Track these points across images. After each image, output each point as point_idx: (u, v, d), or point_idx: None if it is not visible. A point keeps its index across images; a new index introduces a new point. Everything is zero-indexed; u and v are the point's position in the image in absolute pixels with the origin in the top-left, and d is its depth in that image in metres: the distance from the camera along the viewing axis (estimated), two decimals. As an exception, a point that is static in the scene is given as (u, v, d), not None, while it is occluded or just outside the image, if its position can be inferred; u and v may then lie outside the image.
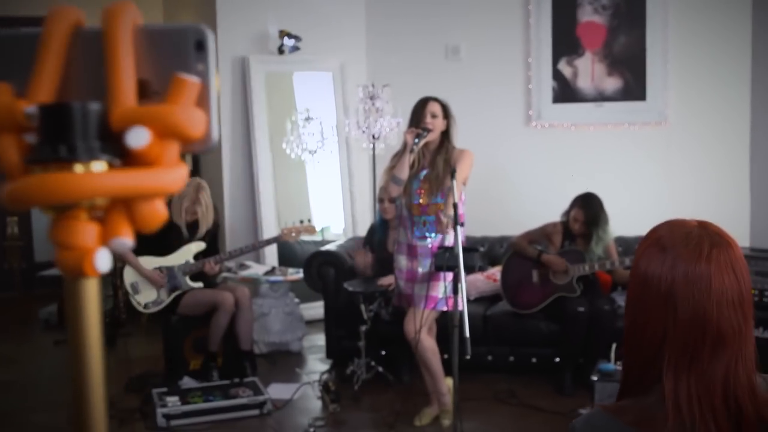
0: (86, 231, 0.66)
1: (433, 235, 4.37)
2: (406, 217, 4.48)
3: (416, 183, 4.40)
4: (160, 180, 0.68)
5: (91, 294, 0.70)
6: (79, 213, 0.66)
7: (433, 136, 4.32)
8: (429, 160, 4.40)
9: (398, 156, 4.40)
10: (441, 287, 4.33)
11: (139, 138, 0.66)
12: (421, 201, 4.39)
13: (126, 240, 0.68)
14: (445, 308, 4.31)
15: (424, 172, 4.40)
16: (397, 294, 4.63)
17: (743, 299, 1.39)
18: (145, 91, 0.71)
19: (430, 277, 4.28)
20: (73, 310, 0.69)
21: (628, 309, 1.49)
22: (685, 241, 1.42)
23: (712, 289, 1.37)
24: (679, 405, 1.35)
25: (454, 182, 3.96)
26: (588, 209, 5.15)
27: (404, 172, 4.30)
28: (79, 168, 0.66)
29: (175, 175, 0.69)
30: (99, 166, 0.67)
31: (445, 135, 4.40)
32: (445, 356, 4.34)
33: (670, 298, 1.39)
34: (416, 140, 4.22)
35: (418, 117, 4.33)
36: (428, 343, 4.46)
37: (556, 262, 5.19)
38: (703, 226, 1.45)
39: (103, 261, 0.67)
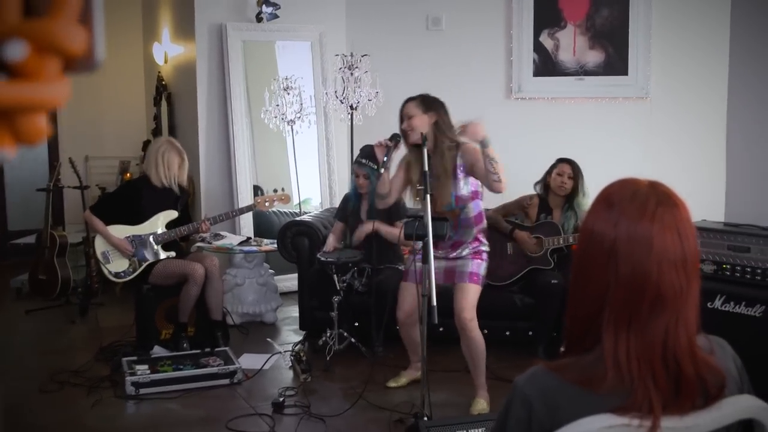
0: None
1: (452, 234, 4.15)
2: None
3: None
4: (38, 92, 0.69)
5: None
6: None
7: (416, 137, 4.01)
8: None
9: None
10: (483, 266, 4.23)
11: (15, 51, 0.67)
12: (436, 209, 4.05)
13: (7, 152, 0.69)
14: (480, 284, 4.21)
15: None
16: (410, 270, 4.31)
17: (686, 261, 1.37)
18: (34, 11, 0.72)
19: (472, 256, 4.19)
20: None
21: (574, 265, 1.46)
22: (631, 198, 1.39)
23: (654, 248, 1.34)
24: (618, 362, 1.33)
25: (425, 149, 3.88)
26: (572, 162, 5.23)
27: (384, 188, 4.13)
28: None
29: (55, 89, 0.70)
30: None
31: (438, 128, 4.05)
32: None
33: (612, 254, 1.36)
34: (385, 157, 3.99)
35: (400, 124, 4.13)
36: (478, 336, 4.22)
37: (527, 241, 5.18)
38: (653, 186, 1.42)
39: None
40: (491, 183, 3.91)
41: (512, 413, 1.38)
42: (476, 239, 4.24)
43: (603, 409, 1.30)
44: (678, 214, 1.39)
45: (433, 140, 4.04)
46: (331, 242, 5.41)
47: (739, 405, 1.39)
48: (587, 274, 1.41)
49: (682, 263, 1.36)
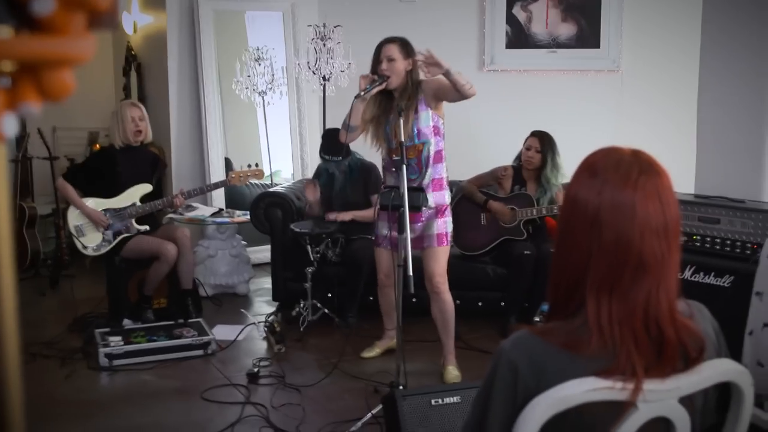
0: None
1: (416, 176, 4.14)
2: (389, 162, 4.24)
3: (388, 128, 4.16)
4: (65, 47, 0.69)
5: (-1, 158, 0.72)
6: None
7: (396, 82, 4.06)
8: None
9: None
10: (449, 223, 4.26)
11: (43, 4, 0.67)
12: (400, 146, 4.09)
13: (33, 107, 0.69)
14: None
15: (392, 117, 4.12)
16: (380, 235, 4.38)
17: (668, 228, 1.39)
18: None
19: (436, 215, 4.19)
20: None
21: (558, 232, 1.48)
22: (615, 167, 1.41)
23: (636, 215, 1.37)
24: (601, 327, 1.35)
25: (401, 120, 3.89)
26: (543, 135, 5.24)
27: (355, 119, 4.11)
28: None
29: (81, 44, 0.70)
30: (4, 31, 0.68)
31: (410, 76, 4.08)
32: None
33: (595, 222, 1.38)
34: (368, 87, 3.99)
35: (374, 63, 4.10)
36: (449, 299, 4.29)
37: (501, 210, 5.21)
38: (636, 154, 1.44)
39: (9, 126, 0.68)
40: (464, 92, 3.95)
41: (498, 377, 1.40)
42: (440, 186, 4.21)
43: (588, 372, 1.33)
44: (660, 182, 1.41)
45: (403, 85, 4.09)
46: (311, 192, 5.35)
47: (719, 368, 1.42)
48: (571, 241, 1.43)
49: (664, 231, 1.39)
